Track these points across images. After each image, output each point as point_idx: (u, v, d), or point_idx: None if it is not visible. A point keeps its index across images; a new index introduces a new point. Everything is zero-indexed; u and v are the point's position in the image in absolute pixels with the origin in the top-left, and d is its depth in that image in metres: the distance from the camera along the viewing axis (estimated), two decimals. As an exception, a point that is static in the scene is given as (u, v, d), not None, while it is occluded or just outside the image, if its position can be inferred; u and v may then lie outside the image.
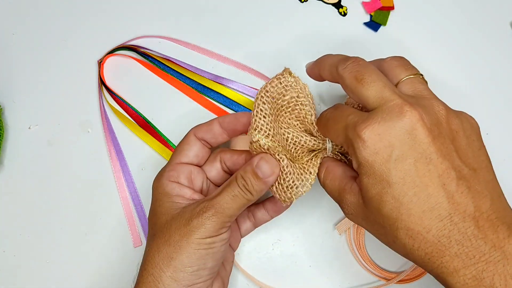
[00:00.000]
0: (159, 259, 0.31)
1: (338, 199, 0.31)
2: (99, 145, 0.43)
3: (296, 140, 0.35)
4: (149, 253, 0.32)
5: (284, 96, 0.34)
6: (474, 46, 0.45)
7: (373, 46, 0.45)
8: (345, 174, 0.31)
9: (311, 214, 0.42)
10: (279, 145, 0.33)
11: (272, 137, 0.33)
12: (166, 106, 0.44)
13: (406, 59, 0.33)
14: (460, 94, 0.44)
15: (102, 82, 0.43)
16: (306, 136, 0.35)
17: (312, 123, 0.34)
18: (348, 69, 0.30)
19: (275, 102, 0.34)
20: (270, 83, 0.34)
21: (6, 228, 0.42)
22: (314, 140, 0.35)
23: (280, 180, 0.33)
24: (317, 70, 0.34)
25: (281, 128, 0.35)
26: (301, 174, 0.33)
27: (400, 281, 0.41)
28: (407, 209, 0.26)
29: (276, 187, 0.33)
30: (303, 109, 0.34)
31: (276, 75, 0.34)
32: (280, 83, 0.34)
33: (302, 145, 0.35)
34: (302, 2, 0.46)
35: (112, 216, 0.42)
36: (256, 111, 0.33)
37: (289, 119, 0.35)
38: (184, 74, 0.44)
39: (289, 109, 0.35)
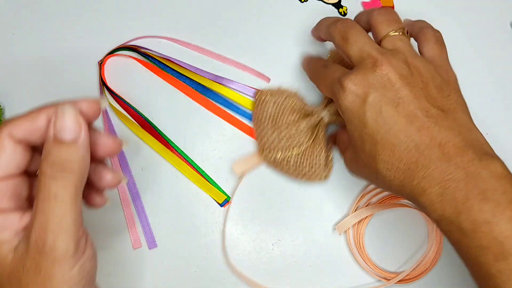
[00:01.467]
0: None
1: (343, 157, 0.37)
2: (99, 145, 0.43)
3: (297, 129, 0.40)
4: None
5: (267, 110, 0.41)
6: (474, 46, 0.45)
7: (373, 46, 0.45)
8: (348, 136, 0.35)
9: (311, 214, 0.42)
10: (285, 146, 0.40)
11: (277, 145, 0.40)
12: (166, 106, 0.44)
13: (391, 12, 0.35)
14: (460, 94, 0.44)
15: (103, 82, 0.43)
16: (304, 121, 0.40)
17: (302, 107, 0.41)
18: (337, 30, 0.34)
19: (266, 118, 0.41)
20: (254, 112, 0.42)
21: (6, 228, 0.42)
22: (310, 118, 0.40)
23: (301, 170, 0.40)
24: (317, 32, 0.39)
25: (281, 132, 0.40)
26: (316, 154, 0.40)
27: (400, 281, 0.41)
28: (381, 145, 0.31)
29: (305, 176, 0.40)
30: (290, 104, 0.40)
31: (255, 99, 0.42)
32: (260, 105, 0.41)
33: (303, 129, 0.40)
34: (302, 2, 0.46)
35: (111, 217, 0.42)
36: (257, 135, 0.41)
37: (284, 119, 0.40)
38: (184, 74, 0.44)
39: (279, 114, 0.41)
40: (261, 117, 0.41)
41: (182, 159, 0.42)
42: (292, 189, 0.42)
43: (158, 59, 0.44)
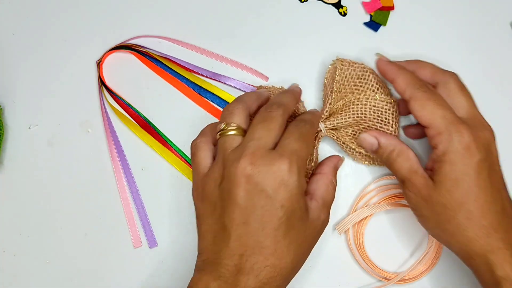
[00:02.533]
0: None
1: (405, 176, 0.35)
2: (99, 145, 0.43)
3: None
4: None
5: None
6: (474, 46, 0.45)
7: (373, 46, 0.45)
8: (417, 159, 0.36)
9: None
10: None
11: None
12: (166, 106, 0.44)
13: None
14: (460, 94, 0.44)
15: (102, 82, 0.43)
16: None
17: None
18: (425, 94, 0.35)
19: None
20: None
21: (6, 228, 0.42)
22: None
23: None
24: (391, 77, 0.38)
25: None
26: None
27: (400, 281, 0.41)
28: (474, 197, 0.32)
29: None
30: None
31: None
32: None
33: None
34: (302, 2, 0.46)
35: (112, 216, 0.42)
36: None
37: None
38: (182, 74, 0.44)
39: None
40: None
41: (181, 159, 0.43)
42: None
43: (157, 58, 0.44)
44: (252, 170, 0.31)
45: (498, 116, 0.44)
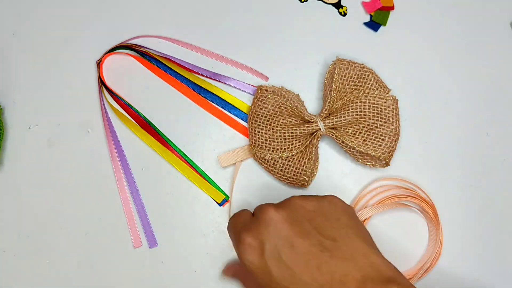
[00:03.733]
0: None
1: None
2: (99, 145, 0.43)
3: (293, 133, 0.40)
4: None
5: (266, 108, 0.41)
6: (474, 46, 0.45)
7: (373, 46, 0.45)
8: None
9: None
10: (277, 147, 0.40)
11: (268, 144, 0.40)
12: (166, 106, 0.44)
13: None
14: (460, 94, 0.44)
15: (102, 82, 0.43)
16: (300, 127, 0.40)
17: (301, 112, 0.40)
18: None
19: (262, 116, 0.41)
20: (252, 106, 0.41)
21: (6, 228, 0.42)
22: (307, 125, 0.40)
23: (285, 174, 0.40)
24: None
25: (276, 132, 0.40)
26: (304, 161, 0.40)
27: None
28: None
29: (288, 180, 0.41)
30: (290, 106, 0.40)
31: (256, 96, 0.42)
32: (259, 101, 0.41)
33: (297, 134, 0.40)
34: (302, 2, 0.46)
35: (112, 216, 0.42)
36: (250, 131, 0.41)
37: (281, 121, 0.40)
38: (182, 74, 0.44)
39: (277, 114, 0.41)
40: (259, 113, 0.41)
41: (181, 159, 0.43)
42: (291, 188, 0.42)
43: (157, 57, 0.44)
44: None
45: (498, 116, 0.44)
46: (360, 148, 0.40)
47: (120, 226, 0.42)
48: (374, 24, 0.45)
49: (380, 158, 0.40)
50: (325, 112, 0.40)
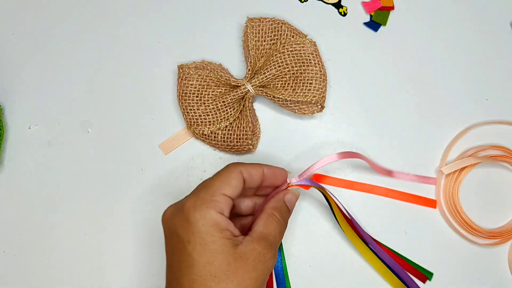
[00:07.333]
0: None
1: None
2: (99, 145, 0.43)
3: (224, 101, 0.40)
4: None
5: (192, 84, 0.41)
6: (474, 46, 0.45)
7: (373, 46, 0.45)
8: None
9: (311, 214, 0.42)
10: (213, 120, 0.40)
11: (204, 119, 0.40)
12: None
13: None
14: (460, 94, 0.44)
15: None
16: (230, 94, 0.40)
17: (227, 79, 0.40)
18: None
19: (190, 93, 0.41)
20: (178, 87, 0.41)
21: (6, 228, 0.42)
22: (236, 90, 0.40)
23: (229, 143, 0.41)
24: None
25: (208, 106, 0.40)
26: (243, 126, 0.40)
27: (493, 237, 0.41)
28: None
29: (233, 149, 0.41)
30: (215, 77, 0.40)
31: (179, 76, 0.41)
32: (184, 80, 0.41)
33: (229, 102, 0.40)
34: (302, 2, 0.46)
35: (112, 216, 0.42)
36: (182, 111, 0.41)
37: (210, 93, 0.41)
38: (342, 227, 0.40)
39: (205, 88, 0.41)
40: (186, 91, 0.41)
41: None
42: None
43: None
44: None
45: (498, 116, 0.44)
46: (292, 97, 0.40)
47: (120, 226, 0.42)
48: (374, 24, 0.45)
49: (313, 102, 0.40)
50: (250, 72, 0.41)
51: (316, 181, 0.42)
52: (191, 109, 0.41)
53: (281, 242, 0.42)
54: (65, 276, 0.41)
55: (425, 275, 0.41)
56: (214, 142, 0.41)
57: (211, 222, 0.31)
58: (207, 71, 0.41)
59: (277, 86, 0.40)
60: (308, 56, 0.41)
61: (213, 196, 0.32)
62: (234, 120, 0.41)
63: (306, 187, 0.37)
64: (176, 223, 0.31)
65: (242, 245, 0.31)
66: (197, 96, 0.41)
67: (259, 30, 0.41)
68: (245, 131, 0.40)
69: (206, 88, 0.41)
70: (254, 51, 0.41)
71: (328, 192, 0.38)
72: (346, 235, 0.40)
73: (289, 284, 0.41)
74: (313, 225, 0.42)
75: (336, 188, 0.42)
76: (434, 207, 0.42)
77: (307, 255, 0.42)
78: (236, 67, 0.44)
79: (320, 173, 0.42)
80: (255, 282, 0.31)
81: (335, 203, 0.39)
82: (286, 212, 0.35)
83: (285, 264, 0.41)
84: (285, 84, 0.40)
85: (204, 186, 0.33)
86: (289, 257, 0.41)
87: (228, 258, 0.30)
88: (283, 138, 0.43)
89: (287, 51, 0.40)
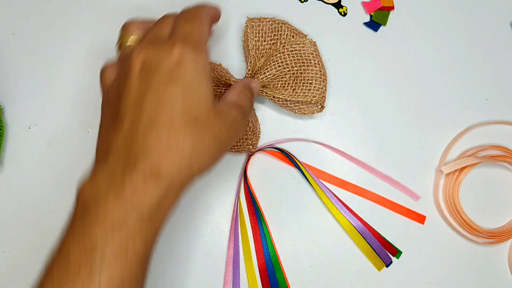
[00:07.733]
0: None
1: None
2: (99, 145, 0.43)
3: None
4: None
5: None
6: (474, 46, 0.45)
7: (373, 46, 0.45)
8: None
9: (311, 214, 0.42)
10: None
11: None
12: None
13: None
14: (460, 94, 0.44)
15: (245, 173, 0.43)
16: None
17: (227, 79, 0.40)
18: None
19: None
20: None
21: (6, 228, 0.42)
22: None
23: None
24: None
25: None
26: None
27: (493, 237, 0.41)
28: None
29: (233, 149, 0.42)
30: (215, 77, 0.40)
31: None
32: None
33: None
34: (302, 2, 0.46)
35: (112, 216, 0.42)
36: None
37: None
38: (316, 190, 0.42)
39: None
40: None
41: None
42: (292, 189, 0.42)
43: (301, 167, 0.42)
44: (145, 55, 0.30)
45: (498, 116, 0.44)
46: (292, 97, 0.40)
47: (120, 226, 0.42)
48: (374, 24, 0.45)
49: (313, 102, 0.40)
50: (250, 72, 0.41)
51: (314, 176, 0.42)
52: None
53: (274, 241, 0.42)
54: (65, 276, 0.41)
55: (395, 250, 0.41)
56: None
57: (208, 66, 0.31)
58: None
59: (277, 86, 0.41)
60: (308, 56, 0.41)
61: (204, 45, 0.32)
62: None
63: (271, 153, 0.39)
64: None
65: (219, 105, 0.32)
66: None
67: (259, 30, 0.41)
68: (245, 131, 0.40)
69: None
70: (254, 51, 0.41)
71: (297, 160, 0.39)
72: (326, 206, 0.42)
73: (282, 274, 0.41)
74: (313, 225, 0.42)
75: (330, 185, 0.42)
76: (422, 223, 0.42)
77: (307, 255, 0.42)
78: (236, 67, 0.44)
79: (317, 167, 0.42)
80: (227, 141, 0.32)
81: (307, 170, 0.41)
82: (252, 94, 0.37)
83: (273, 246, 0.41)
84: (285, 84, 0.40)
85: None
86: (289, 257, 0.42)
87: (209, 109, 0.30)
88: (283, 138, 0.43)
89: (287, 51, 0.40)
